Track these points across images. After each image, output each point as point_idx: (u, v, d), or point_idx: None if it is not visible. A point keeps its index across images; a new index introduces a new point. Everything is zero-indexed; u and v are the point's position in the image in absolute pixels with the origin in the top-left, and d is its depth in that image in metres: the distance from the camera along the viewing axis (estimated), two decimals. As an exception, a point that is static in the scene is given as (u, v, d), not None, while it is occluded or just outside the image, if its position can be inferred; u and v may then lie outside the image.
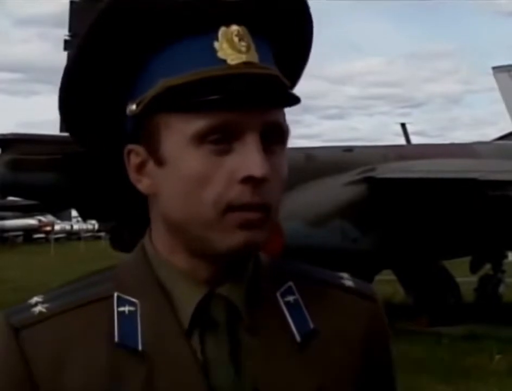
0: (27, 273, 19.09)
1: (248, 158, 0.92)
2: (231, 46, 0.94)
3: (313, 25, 1.05)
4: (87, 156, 9.47)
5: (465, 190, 10.26)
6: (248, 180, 0.91)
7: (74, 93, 1.01)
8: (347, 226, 10.00)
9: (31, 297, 1.01)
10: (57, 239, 34.93)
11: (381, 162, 10.84)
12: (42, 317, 0.97)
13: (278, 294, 1.01)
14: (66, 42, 10.21)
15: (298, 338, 0.99)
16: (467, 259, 12.42)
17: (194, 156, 0.93)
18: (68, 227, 41.22)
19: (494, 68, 27.48)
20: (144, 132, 0.97)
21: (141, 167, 0.99)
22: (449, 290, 11.47)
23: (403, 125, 17.12)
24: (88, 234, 41.16)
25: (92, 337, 0.96)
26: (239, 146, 0.93)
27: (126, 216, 10.76)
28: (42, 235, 39.08)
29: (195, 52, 0.95)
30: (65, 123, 1.06)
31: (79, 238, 38.17)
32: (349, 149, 11.37)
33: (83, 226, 38.77)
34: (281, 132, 0.97)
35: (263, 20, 0.98)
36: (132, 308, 0.97)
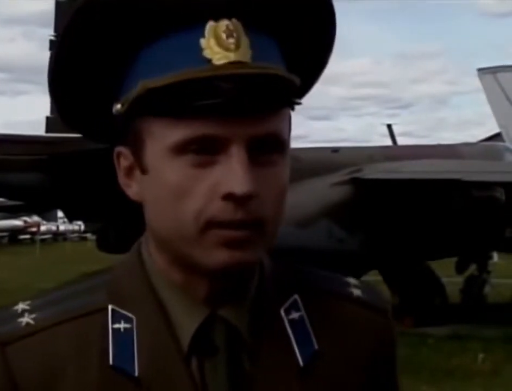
0: (13, 274, 18.97)
1: (230, 174, 0.83)
2: (218, 44, 0.84)
3: (335, 22, 0.95)
4: (73, 157, 9.46)
5: (450, 191, 10.32)
6: (230, 197, 0.83)
7: (62, 88, 0.94)
8: (333, 227, 10.03)
9: (16, 299, 0.93)
10: (43, 240, 34.73)
11: (367, 162, 10.87)
12: (29, 331, 0.89)
13: (282, 311, 0.94)
14: (51, 42, 10.16)
15: (301, 362, 0.92)
16: (453, 260, 12.48)
17: (173, 167, 0.85)
18: (54, 228, 41.01)
19: (479, 69, 27.61)
20: (130, 135, 0.89)
21: (129, 171, 0.92)
22: (435, 290, 11.52)
23: (389, 126, 17.20)
24: (75, 235, 40.99)
25: (84, 355, 0.88)
26: (223, 159, 0.84)
27: (113, 217, 10.74)
28: (27, 236, 38.84)
29: (179, 50, 0.85)
30: (60, 117, 0.99)
31: (65, 239, 38.02)
32: (335, 150, 11.40)
33: (69, 227, 38.59)
34: (277, 140, 0.87)
35: (265, 13, 0.88)
36: (128, 325, 0.89)
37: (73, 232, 40.80)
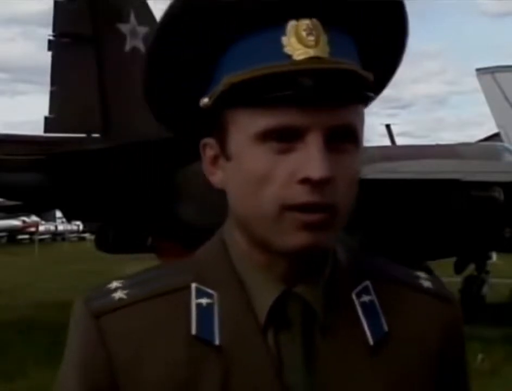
0: (12, 274, 18.96)
1: (308, 159, 0.90)
2: (299, 41, 0.91)
3: (408, 21, 1.00)
4: (71, 157, 9.46)
5: (449, 191, 10.32)
6: (307, 181, 0.90)
7: (154, 84, 1.01)
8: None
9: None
10: (41, 240, 34.71)
11: (366, 162, 10.88)
12: (122, 304, 0.97)
13: (354, 294, 1.00)
14: (50, 42, 10.17)
15: (371, 341, 0.97)
16: (451, 260, 12.48)
17: (255, 154, 0.92)
18: (52, 228, 40.97)
19: (477, 69, 27.62)
20: (216, 126, 0.97)
21: (214, 160, 0.99)
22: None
23: (388, 126, 17.21)
24: (73, 235, 40.96)
25: (170, 327, 0.96)
26: (301, 146, 0.91)
27: (111, 217, 10.74)
28: (26, 236, 38.80)
29: (262, 47, 0.92)
30: (151, 110, 1.05)
31: (64, 239, 38.00)
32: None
33: (68, 227, 38.55)
34: (350, 130, 0.93)
35: (342, 12, 0.94)
36: (209, 300, 0.97)
37: (72, 232, 40.76)
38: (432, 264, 11.90)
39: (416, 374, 1.00)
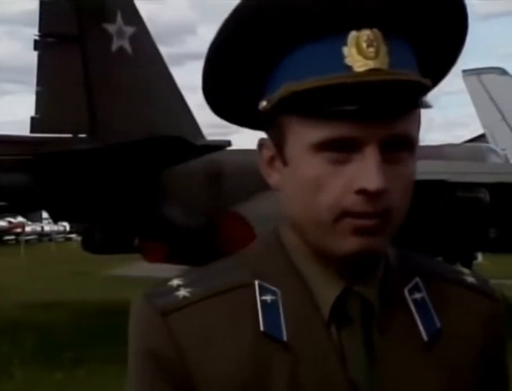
0: (-3, 275, 18.85)
1: (364, 171, 0.92)
2: (359, 52, 0.92)
3: (467, 26, 1.02)
4: (58, 157, 9.41)
5: (435, 192, 10.36)
6: (363, 192, 0.92)
7: (215, 80, 1.03)
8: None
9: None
10: (27, 241, 34.54)
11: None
12: (187, 302, 0.98)
13: (406, 291, 1.03)
14: (36, 41, 10.12)
15: (425, 337, 1.00)
16: (437, 260, 12.54)
17: (311, 163, 0.94)
18: (39, 228, 40.79)
19: (464, 71, 27.77)
20: (274, 129, 0.99)
21: (271, 161, 1.01)
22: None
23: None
24: (60, 236, 40.79)
25: (236, 324, 0.97)
26: (358, 157, 0.92)
27: (98, 218, 10.70)
28: (12, 237, 38.59)
29: (323, 57, 0.93)
30: (211, 108, 1.08)
31: (50, 240, 37.80)
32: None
33: (55, 227, 38.38)
34: (407, 140, 0.95)
35: (403, 22, 0.95)
36: (274, 297, 0.98)
37: (58, 232, 40.58)
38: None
39: (466, 370, 1.03)
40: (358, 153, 0.92)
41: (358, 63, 0.91)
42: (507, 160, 14.13)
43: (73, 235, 32.47)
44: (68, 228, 34.02)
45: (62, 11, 10.04)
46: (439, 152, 12.30)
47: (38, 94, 10.00)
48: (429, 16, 0.98)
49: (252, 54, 0.99)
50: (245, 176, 8.74)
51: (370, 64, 0.91)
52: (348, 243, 0.94)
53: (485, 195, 10.75)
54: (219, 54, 1.00)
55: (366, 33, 0.92)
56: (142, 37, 10.33)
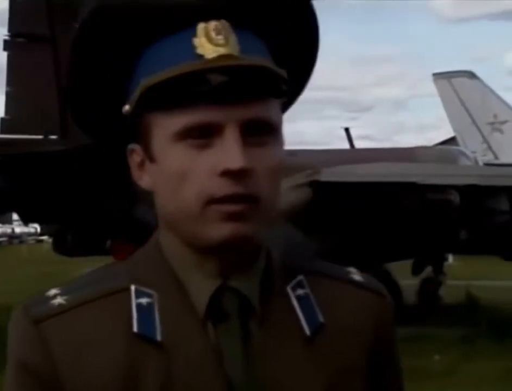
0: (-34, 278, 18.59)
1: (226, 153, 0.92)
2: (209, 41, 0.94)
3: (318, 24, 1.04)
4: (28, 158, 9.33)
5: (406, 194, 10.45)
6: (227, 173, 0.92)
7: (77, 91, 1.03)
8: (291, 229, 10.06)
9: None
10: (-3, 243, 34.13)
11: (325, 165, 10.96)
12: (61, 310, 0.98)
13: (289, 288, 1.02)
14: (5, 41, 10.02)
15: (307, 331, 1.00)
16: (409, 262, 12.63)
17: (175, 152, 0.94)
18: (9, 230, 40.37)
19: (434, 74, 28.03)
20: (139, 131, 0.99)
21: (141, 165, 1.01)
22: (391, 292, 11.61)
23: (347, 130, 17.34)
24: (31, 238, 40.39)
25: (111, 328, 0.97)
26: (219, 141, 0.93)
27: (69, 220, 10.62)
28: (-19, 239, 38.15)
29: (175, 50, 0.95)
30: (74, 118, 1.07)
31: (21, 242, 37.42)
32: (293, 153, 11.45)
33: (26, 229, 38.01)
34: (267, 124, 0.96)
35: (250, 15, 0.98)
36: (149, 300, 0.98)
37: (30, 234, 40.20)
38: (390, 266, 12.03)
39: (352, 364, 1.02)
40: (220, 137, 0.93)
41: (209, 50, 0.93)
42: (477, 162, 14.29)
43: (45, 238, 32.16)
44: (39, 230, 33.70)
45: (32, 10, 9.94)
46: (410, 154, 12.40)
47: (8, 95, 9.90)
48: (276, 12, 1.00)
49: (108, 59, 1.00)
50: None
51: (221, 50, 0.93)
52: (218, 230, 0.94)
53: (455, 197, 10.86)
54: (77, 62, 1.01)
55: (213, 24, 0.95)
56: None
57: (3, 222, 38.06)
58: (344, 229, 10.31)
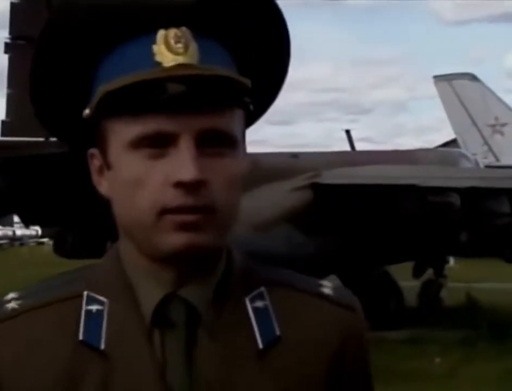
0: (-33, 280, 18.60)
1: (180, 163, 0.91)
2: (168, 49, 0.93)
3: (288, 32, 1.02)
4: (29, 161, 9.33)
5: (406, 196, 10.45)
6: (180, 184, 0.91)
7: (40, 94, 1.04)
8: (292, 232, 10.07)
9: None
10: (-2, 245, 34.13)
11: (326, 168, 10.95)
12: (13, 314, 0.99)
13: (247, 299, 1.00)
14: (6, 44, 10.02)
15: (260, 344, 0.98)
16: (410, 264, 12.62)
17: (130, 161, 0.94)
18: (10, 233, 40.37)
19: (435, 77, 28.03)
20: (98, 136, 0.99)
21: (100, 170, 1.00)
22: (392, 294, 11.64)
23: (348, 132, 17.34)
24: (32, 240, 40.39)
25: (59, 334, 0.98)
26: (174, 151, 0.92)
27: (70, 222, 10.62)
28: (-18, 241, 38.16)
29: (134, 56, 0.95)
30: (40, 121, 1.07)
31: (22, 244, 37.42)
32: (294, 155, 11.45)
33: (27, 232, 38.03)
34: (225, 135, 0.95)
35: (211, 23, 0.97)
36: (100, 307, 0.98)
37: (30, 237, 40.21)
38: (391, 268, 12.03)
39: (310, 378, 1.00)
40: (175, 148, 0.92)
41: (167, 59, 0.93)
42: (477, 165, 14.29)
43: (45, 240, 32.17)
44: (40, 232, 33.70)
45: (33, 12, 9.95)
46: (411, 156, 12.39)
47: (9, 97, 9.90)
48: (241, 21, 0.99)
49: (70, 64, 0.99)
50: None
51: (179, 59, 0.92)
52: (171, 240, 0.93)
53: (456, 200, 10.86)
54: (40, 66, 1.00)
55: (173, 31, 0.94)
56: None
57: (4, 225, 38.06)
58: (345, 232, 10.30)
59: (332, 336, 1.02)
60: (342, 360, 1.02)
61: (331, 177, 10.53)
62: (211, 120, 0.93)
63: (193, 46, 0.94)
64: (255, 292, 1.01)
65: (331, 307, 1.04)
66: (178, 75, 0.91)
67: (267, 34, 1.01)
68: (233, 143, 0.96)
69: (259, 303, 1.01)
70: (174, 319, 0.97)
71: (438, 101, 28.01)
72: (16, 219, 26.87)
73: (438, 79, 27.84)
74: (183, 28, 0.94)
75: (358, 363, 1.06)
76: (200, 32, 0.95)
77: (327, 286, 1.07)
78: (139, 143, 0.93)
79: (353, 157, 12.37)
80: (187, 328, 0.97)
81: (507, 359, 8.49)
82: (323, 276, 11.23)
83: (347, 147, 16.17)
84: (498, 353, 8.83)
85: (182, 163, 0.91)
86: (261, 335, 0.98)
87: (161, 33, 0.94)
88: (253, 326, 0.99)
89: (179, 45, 0.93)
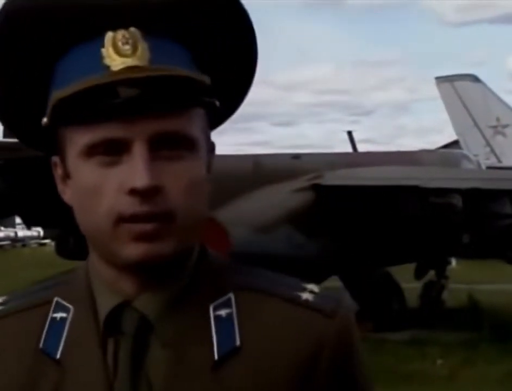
0: (-31, 281, 18.62)
1: (133, 170, 0.89)
2: (116, 51, 0.90)
3: (252, 28, 0.99)
4: (30, 162, 9.34)
5: (408, 197, 10.44)
6: (134, 192, 0.89)
7: (1, 100, 1.00)
8: (294, 233, 10.06)
9: None
10: (1, 246, 34.18)
11: (328, 169, 10.95)
12: None
13: (211, 306, 0.96)
14: None
15: (215, 355, 0.93)
16: (412, 266, 12.62)
17: (85, 169, 0.92)
18: (12, 234, 40.39)
19: (437, 78, 28.02)
20: (58, 144, 0.96)
21: (63, 178, 0.98)
22: (394, 296, 11.64)
23: (349, 133, 17.35)
24: (34, 241, 40.41)
25: (22, 341, 0.99)
26: (128, 158, 0.90)
27: (71, 223, 10.61)
28: (-16, 242, 38.18)
29: (84, 60, 0.92)
30: (8, 128, 1.05)
31: (24, 245, 37.45)
32: (296, 156, 11.45)
33: (28, 233, 38.04)
34: (182, 137, 0.91)
35: (162, 21, 0.93)
36: (64, 315, 0.98)
37: (32, 238, 40.21)
38: (393, 270, 12.02)
39: (273, 388, 0.94)
40: (128, 154, 0.90)
41: (115, 62, 0.89)
42: (479, 166, 14.29)
43: (47, 241, 32.16)
44: (42, 233, 33.71)
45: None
46: (413, 157, 12.39)
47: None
48: (198, 18, 0.95)
49: (25, 71, 0.97)
50: (221, 181, 8.74)
51: (128, 61, 0.89)
52: (128, 250, 0.90)
53: (458, 201, 10.85)
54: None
55: (121, 33, 0.91)
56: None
57: (6, 226, 38.09)
58: (347, 233, 10.29)
59: (302, 345, 0.96)
60: (313, 370, 0.96)
61: (333, 178, 10.53)
62: (166, 123, 0.90)
63: (142, 47, 0.90)
64: (221, 300, 0.97)
65: (306, 313, 0.97)
66: (128, 78, 0.88)
67: (229, 32, 0.98)
68: (192, 145, 0.92)
69: (222, 311, 0.96)
70: (126, 328, 0.95)
71: (440, 103, 28.00)
72: (17, 220, 26.88)
73: (440, 80, 27.82)
74: (132, 29, 0.91)
75: (337, 372, 0.98)
76: (154, 32, 0.92)
77: (310, 290, 1.00)
78: (91, 152, 0.90)
79: (355, 158, 12.37)
80: (136, 337, 0.94)
81: (509, 361, 8.49)
82: (325, 277, 11.25)
83: (349, 149, 16.19)
84: (500, 355, 8.82)
85: (135, 170, 0.89)
86: (219, 345, 0.94)
87: (109, 35, 0.91)
88: (211, 335, 0.94)
89: (127, 47, 0.90)
